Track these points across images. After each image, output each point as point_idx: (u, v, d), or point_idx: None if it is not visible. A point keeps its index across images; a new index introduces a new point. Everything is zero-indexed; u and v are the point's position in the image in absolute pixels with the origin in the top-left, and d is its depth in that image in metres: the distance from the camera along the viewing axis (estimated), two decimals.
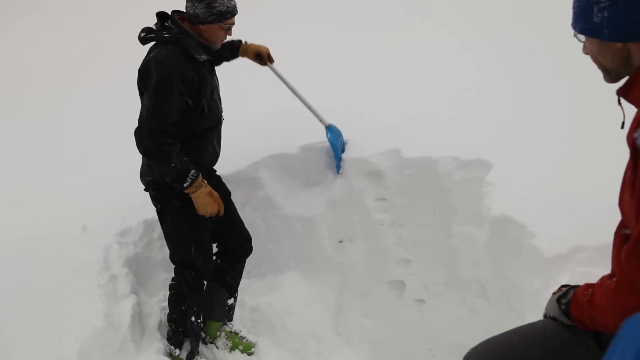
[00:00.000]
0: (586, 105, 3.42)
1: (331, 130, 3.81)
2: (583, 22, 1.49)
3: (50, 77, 6.09)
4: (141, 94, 2.88)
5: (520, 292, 2.91)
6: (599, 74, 1.59)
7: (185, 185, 2.80)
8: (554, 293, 1.77)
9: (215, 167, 3.29)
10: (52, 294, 3.04)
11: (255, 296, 3.75)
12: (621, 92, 1.50)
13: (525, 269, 2.86)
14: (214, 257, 3.37)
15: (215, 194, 2.95)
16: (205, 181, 2.91)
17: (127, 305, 3.07)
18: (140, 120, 2.77)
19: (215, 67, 3.18)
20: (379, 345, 3.73)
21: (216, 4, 2.82)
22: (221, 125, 3.17)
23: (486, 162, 3.36)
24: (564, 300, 1.68)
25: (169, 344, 3.22)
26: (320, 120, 3.81)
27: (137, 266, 3.43)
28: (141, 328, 3.13)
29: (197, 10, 2.82)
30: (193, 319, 3.17)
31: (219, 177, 3.34)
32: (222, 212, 3.02)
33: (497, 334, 1.80)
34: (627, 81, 1.48)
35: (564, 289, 1.75)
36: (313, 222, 3.81)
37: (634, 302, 1.36)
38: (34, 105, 5.68)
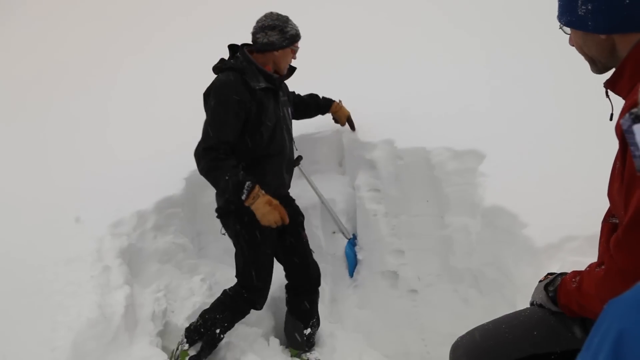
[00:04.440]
0: (577, 97, 3.42)
1: (350, 244, 3.95)
2: (568, 14, 1.51)
3: (45, 82, 6.04)
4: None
5: (512, 282, 2.93)
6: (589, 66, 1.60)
7: (243, 197, 2.85)
8: (540, 281, 1.79)
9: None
10: (45, 285, 3.04)
11: None
12: (608, 85, 1.51)
13: (517, 259, 2.88)
14: (285, 291, 3.49)
15: (276, 201, 2.94)
16: (264, 191, 2.92)
17: (120, 296, 3.06)
18: (199, 141, 2.95)
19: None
20: (373, 335, 3.75)
21: (288, 29, 3.08)
22: (290, 153, 3.27)
23: (479, 152, 3.37)
24: (551, 288, 1.70)
25: (184, 335, 3.25)
26: (343, 233, 3.94)
27: (130, 257, 3.42)
28: (134, 319, 3.12)
29: (271, 39, 3.06)
30: (218, 331, 3.21)
31: (292, 200, 3.42)
32: (287, 221, 3.01)
33: (484, 322, 1.81)
34: (614, 73, 1.49)
35: (550, 277, 1.76)
36: (306, 213, 3.81)
37: (622, 289, 1.36)
38: (24, 109, 5.62)
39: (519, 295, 2.76)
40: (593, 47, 1.50)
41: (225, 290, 3.29)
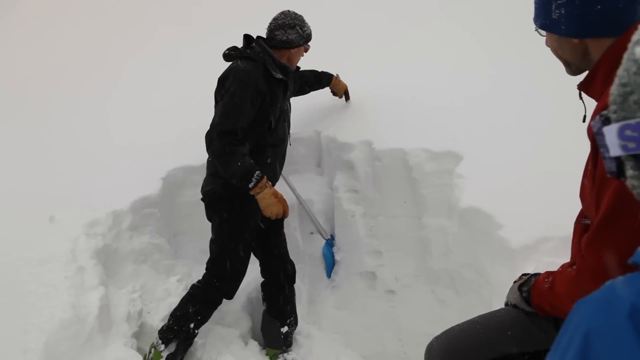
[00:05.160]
0: (554, 100, 3.46)
1: (328, 244, 3.96)
2: (543, 17, 1.54)
3: (41, 82, 5.93)
4: (216, 102, 3.09)
5: (489, 283, 2.96)
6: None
7: (250, 185, 2.90)
8: (515, 281, 1.81)
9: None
10: (18, 287, 2.99)
11: None
12: (582, 87, 1.54)
13: (493, 260, 2.91)
14: (261, 289, 3.51)
15: (280, 195, 3.05)
16: (270, 183, 3.01)
17: (94, 297, 3.02)
18: (212, 124, 2.96)
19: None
20: (350, 336, 3.75)
21: (305, 28, 3.26)
22: (285, 148, 3.38)
23: (457, 154, 3.39)
24: (524, 288, 1.72)
25: (158, 337, 3.21)
26: (321, 233, 3.95)
27: (105, 258, 3.38)
28: (109, 320, 3.08)
29: (290, 37, 3.21)
30: (192, 325, 3.18)
31: None
32: (287, 215, 3.13)
33: (459, 322, 1.82)
34: (587, 76, 1.52)
35: (524, 277, 1.78)
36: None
37: (593, 289, 1.38)
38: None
39: (495, 296, 2.78)
40: (567, 50, 1.53)
41: (193, 284, 3.27)
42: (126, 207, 3.63)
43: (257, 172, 2.91)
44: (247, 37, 3.25)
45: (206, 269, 3.25)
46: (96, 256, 3.29)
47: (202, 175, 3.52)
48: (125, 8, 6.78)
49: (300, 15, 3.29)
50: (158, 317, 3.38)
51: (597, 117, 0.80)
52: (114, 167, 3.96)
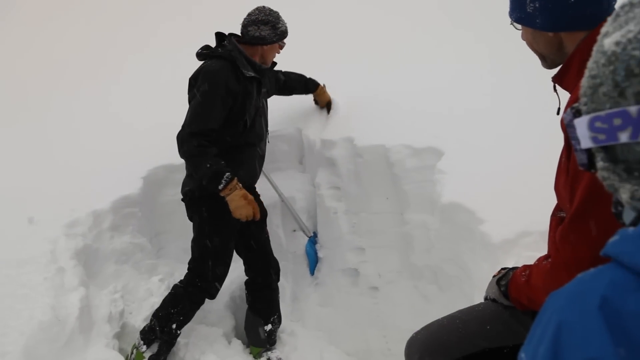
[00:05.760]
0: (533, 94, 3.48)
1: (311, 242, 3.95)
2: (518, 11, 1.55)
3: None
4: (189, 102, 3.09)
5: (470, 277, 2.97)
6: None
7: (220, 187, 2.91)
8: (494, 276, 1.81)
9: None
10: None
11: None
12: (556, 79, 1.55)
13: (474, 254, 2.92)
14: (245, 287, 3.49)
15: (250, 197, 3.05)
16: (241, 185, 3.00)
17: (74, 298, 2.98)
18: (183, 124, 2.98)
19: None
20: (334, 333, 3.74)
21: (279, 25, 3.22)
22: (264, 146, 3.37)
23: (438, 149, 3.40)
24: (503, 282, 1.72)
25: (140, 337, 3.19)
26: (304, 231, 3.95)
27: (86, 258, 3.34)
28: (90, 321, 3.04)
29: (262, 33, 3.18)
30: (174, 326, 3.16)
31: (257, 195, 3.40)
32: (257, 216, 3.11)
33: (439, 318, 1.83)
34: (561, 69, 1.53)
35: (503, 271, 1.79)
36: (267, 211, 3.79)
37: (568, 281, 1.40)
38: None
39: (476, 290, 2.79)
40: (542, 44, 1.55)
41: (175, 284, 3.25)
42: (107, 206, 3.59)
43: (227, 173, 2.91)
44: (219, 35, 3.24)
45: (188, 269, 3.23)
46: (76, 257, 3.25)
47: (183, 174, 3.50)
48: (117, 11, 6.69)
49: (276, 12, 3.26)
50: (140, 317, 3.34)
51: (569, 109, 0.80)
52: (93, 166, 3.91)
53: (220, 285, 3.26)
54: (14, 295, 2.90)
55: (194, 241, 3.22)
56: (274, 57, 3.34)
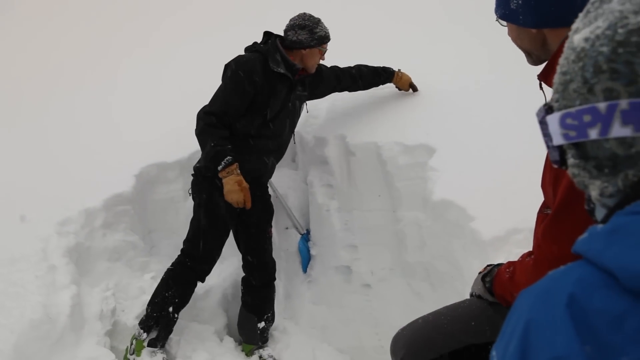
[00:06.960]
0: (524, 91, 3.47)
1: (304, 240, 3.95)
2: (502, 7, 1.56)
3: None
4: None
5: (462, 274, 2.97)
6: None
7: (219, 168, 3.01)
8: (480, 272, 1.82)
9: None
10: None
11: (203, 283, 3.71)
12: (541, 77, 1.55)
13: (465, 252, 2.93)
14: (241, 284, 3.52)
15: (245, 185, 3.10)
16: (239, 171, 3.07)
17: (66, 296, 2.98)
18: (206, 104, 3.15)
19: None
20: (327, 330, 3.75)
21: (317, 30, 3.27)
22: (281, 143, 3.41)
23: (429, 147, 3.40)
24: (487, 279, 1.73)
25: (138, 328, 3.21)
26: (296, 228, 3.96)
27: (78, 256, 3.33)
28: (81, 319, 3.04)
29: (300, 37, 3.25)
30: (171, 309, 3.19)
31: (266, 193, 3.46)
32: (248, 205, 3.15)
33: (425, 314, 1.83)
34: (546, 66, 1.53)
35: (488, 268, 1.79)
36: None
37: None
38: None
39: (468, 288, 2.75)
40: (526, 40, 1.55)
41: (167, 269, 3.30)
42: (99, 204, 3.58)
43: (229, 157, 3.01)
44: (266, 34, 3.36)
45: (180, 250, 3.30)
46: (68, 255, 3.24)
47: (176, 172, 3.52)
48: (112, 14, 6.68)
49: (316, 18, 3.33)
50: (132, 315, 3.35)
51: (541, 106, 0.80)
52: (85, 164, 3.91)
53: (210, 269, 3.31)
54: (5, 293, 2.90)
55: (191, 221, 3.30)
56: (316, 62, 3.38)
